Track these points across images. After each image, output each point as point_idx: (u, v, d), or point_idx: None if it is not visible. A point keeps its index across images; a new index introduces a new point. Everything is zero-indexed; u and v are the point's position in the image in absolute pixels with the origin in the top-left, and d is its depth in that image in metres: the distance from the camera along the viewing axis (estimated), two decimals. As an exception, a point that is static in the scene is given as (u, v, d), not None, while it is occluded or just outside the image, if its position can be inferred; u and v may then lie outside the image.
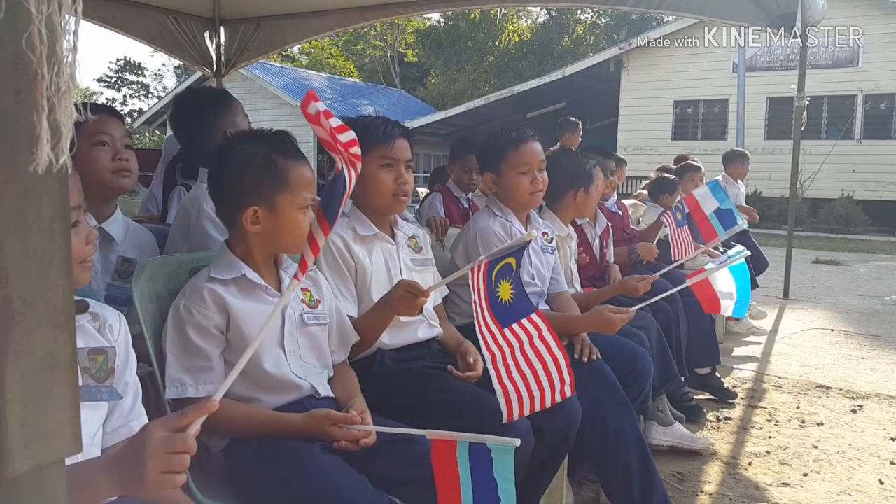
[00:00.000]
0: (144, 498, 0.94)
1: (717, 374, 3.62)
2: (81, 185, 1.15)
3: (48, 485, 0.51)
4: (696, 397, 3.34)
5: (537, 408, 1.60)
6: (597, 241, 3.31)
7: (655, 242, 3.82)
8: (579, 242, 3.07)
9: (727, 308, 2.54)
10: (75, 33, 0.49)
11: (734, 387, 3.68)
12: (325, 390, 1.55)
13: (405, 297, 1.61)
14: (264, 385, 1.48)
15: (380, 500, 1.36)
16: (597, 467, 2.15)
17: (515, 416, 1.56)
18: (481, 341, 1.53)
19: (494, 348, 1.54)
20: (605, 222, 3.39)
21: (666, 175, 4.68)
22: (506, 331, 1.58)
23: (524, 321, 1.62)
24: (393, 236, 1.97)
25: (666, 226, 3.67)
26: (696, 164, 4.97)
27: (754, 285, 5.22)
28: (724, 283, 2.53)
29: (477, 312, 1.52)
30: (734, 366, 4.12)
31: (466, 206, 3.68)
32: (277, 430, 1.41)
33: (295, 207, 1.49)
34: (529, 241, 1.74)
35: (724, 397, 3.54)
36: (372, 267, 1.86)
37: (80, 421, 0.52)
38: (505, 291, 1.58)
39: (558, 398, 1.65)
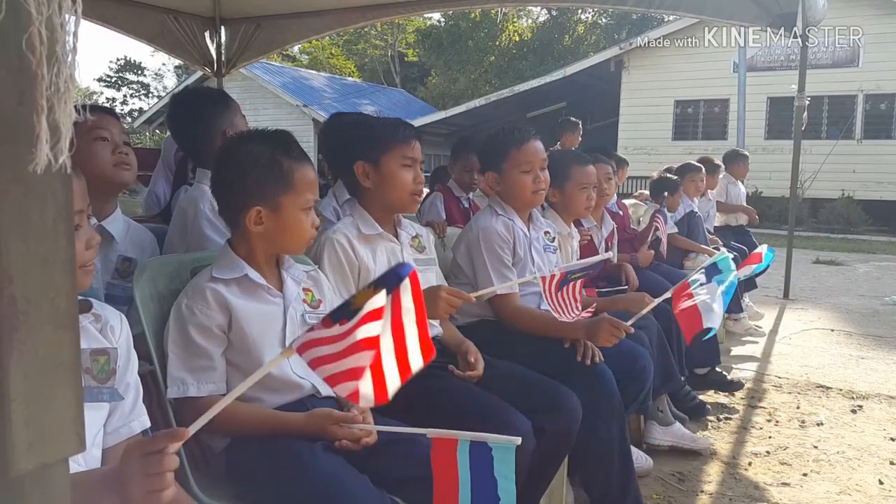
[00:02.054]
0: None
1: (717, 369, 3.63)
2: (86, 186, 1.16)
3: (52, 484, 0.51)
4: (699, 397, 3.33)
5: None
6: (603, 244, 3.33)
7: (651, 241, 3.88)
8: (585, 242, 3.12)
9: (707, 321, 2.43)
10: (75, 34, 0.49)
11: (734, 388, 3.68)
12: (325, 390, 1.55)
13: (450, 302, 1.72)
14: (266, 385, 1.48)
15: (381, 499, 1.36)
16: (577, 464, 2.17)
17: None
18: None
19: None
20: (611, 225, 3.43)
21: (668, 175, 4.69)
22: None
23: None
24: (396, 236, 1.97)
25: (657, 227, 3.79)
26: (697, 164, 4.98)
27: (753, 286, 5.24)
28: (710, 295, 2.43)
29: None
30: (734, 366, 4.12)
31: (467, 205, 3.68)
32: (279, 430, 1.41)
33: (298, 208, 1.49)
34: (605, 260, 2.05)
35: (731, 389, 3.56)
36: (375, 267, 1.86)
37: (83, 420, 0.52)
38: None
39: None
